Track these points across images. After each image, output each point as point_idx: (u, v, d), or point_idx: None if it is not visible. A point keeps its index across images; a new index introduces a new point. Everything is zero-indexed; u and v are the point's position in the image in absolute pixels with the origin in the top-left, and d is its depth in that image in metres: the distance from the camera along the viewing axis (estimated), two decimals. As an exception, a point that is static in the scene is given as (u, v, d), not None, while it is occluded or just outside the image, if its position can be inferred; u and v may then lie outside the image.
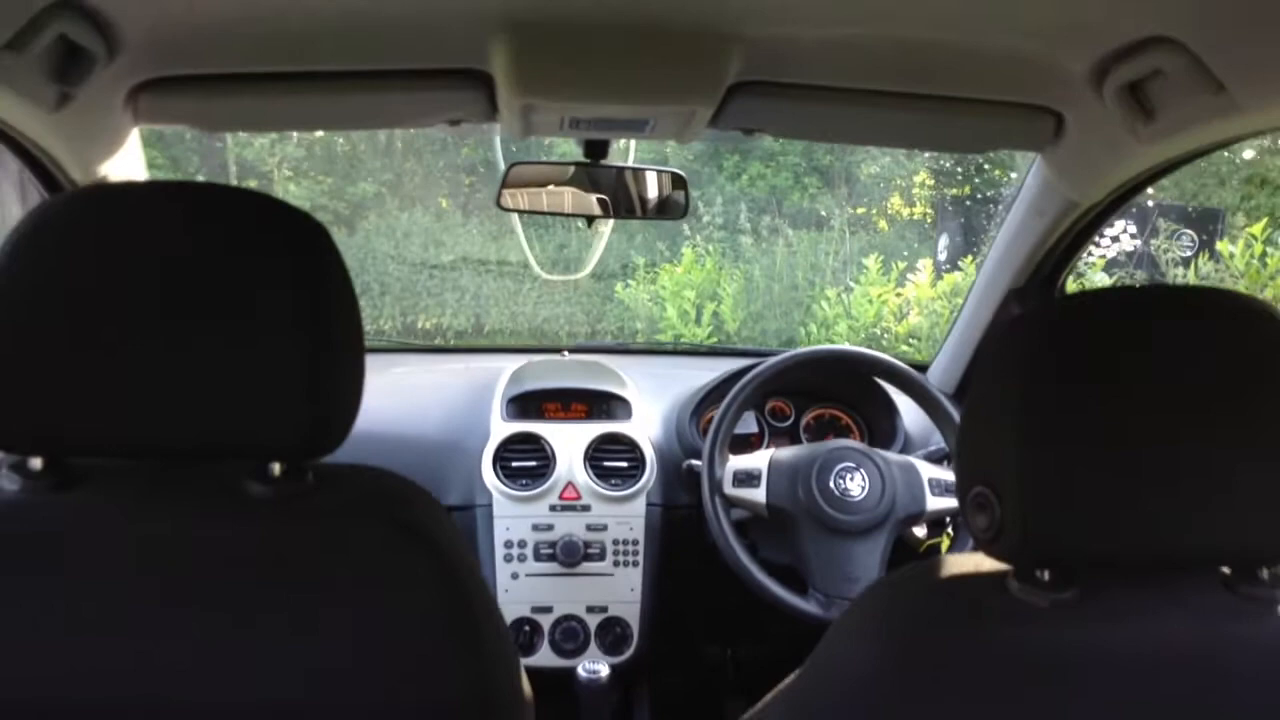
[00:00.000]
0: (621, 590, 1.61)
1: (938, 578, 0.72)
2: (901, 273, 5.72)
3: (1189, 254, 5.97)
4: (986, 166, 7.33)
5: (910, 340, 5.48)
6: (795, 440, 1.80)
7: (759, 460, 1.54)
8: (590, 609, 1.60)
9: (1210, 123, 1.00)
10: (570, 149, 1.49)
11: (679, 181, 1.59)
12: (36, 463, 0.67)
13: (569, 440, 1.65)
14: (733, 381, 1.62)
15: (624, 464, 1.65)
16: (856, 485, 1.48)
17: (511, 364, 1.85)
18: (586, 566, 1.59)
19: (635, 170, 1.58)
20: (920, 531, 1.56)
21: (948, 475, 1.54)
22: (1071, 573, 0.66)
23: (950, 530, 1.60)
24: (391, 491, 0.75)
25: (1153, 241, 6.06)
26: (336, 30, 1.04)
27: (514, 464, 1.62)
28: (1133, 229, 6.02)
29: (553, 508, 1.60)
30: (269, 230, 0.67)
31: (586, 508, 1.61)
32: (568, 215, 1.59)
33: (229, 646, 0.65)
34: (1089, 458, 0.63)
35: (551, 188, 1.57)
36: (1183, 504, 0.63)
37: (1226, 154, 6.67)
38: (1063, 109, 1.18)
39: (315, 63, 1.10)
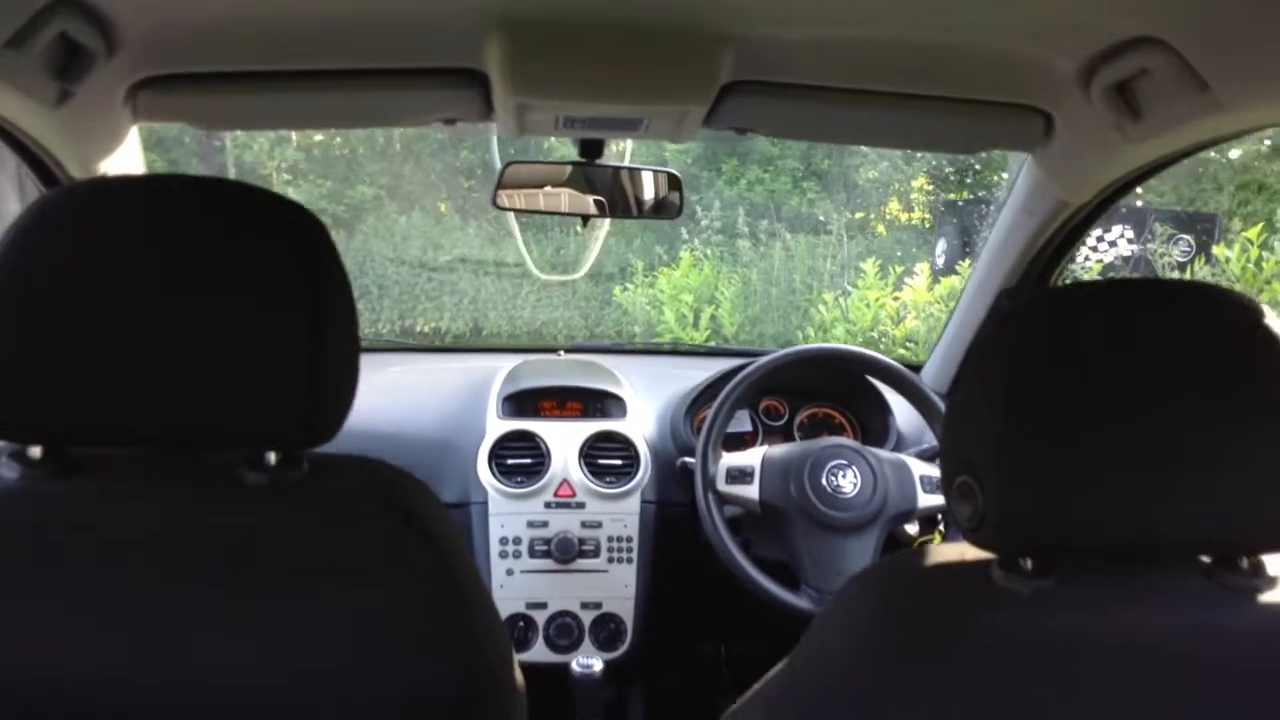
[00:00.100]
0: (616, 587, 1.62)
1: (922, 566, 0.72)
2: (899, 277, 5.74)
3: (1185, 258, 5.99)
4: (984, 171, 7.35)
5: (907, 344, 5.49)
6: (789, 439, 1.81)
7: (752, 457, 1.55)
8: (585, 605, 1.61)
9: (1196, 121, 1.01)
10: (567, 151, 1.50)
11: (674, 182, 1.60)
12: (36, 451, 0.68)
13: (564, 438, 1.66)
14: (727, 380, 1.63)
15: (619, 462, 1.66)
16: (849, 482, 1.49)
17: (507, 363, 1.86)
18: (581, 563, 1.60)
19: (631, 170, 1.59)
20: (912, 529, 1.57)
21: (939, 473, 1.55)
22: (1054, 561, 0.67)
23: (942, 527, 1.61)
24: (388, 480, 0.75)
25: (1149, 246, 6.07)
26: (333, 29, 1.05)
27: (509, 461, 1.63)
28: (1130, 234, 6.05)
29: (548, 505, 1.61)
30: (265, 221, 0.68)
31: (581, 505, 1.62)
32: (564, 215, 1.61)
33: (228, 631, 0.66)
34: (1071, 447, 0.63)
35: (549, 189, 1.59)
36: (1164, 494, 0.63)
37: (1222, 159, 6.69)
38: (1052, 109, 1.19)
39: (312, 61, 1.11)
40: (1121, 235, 6.00)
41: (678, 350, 3.08)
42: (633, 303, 6.63)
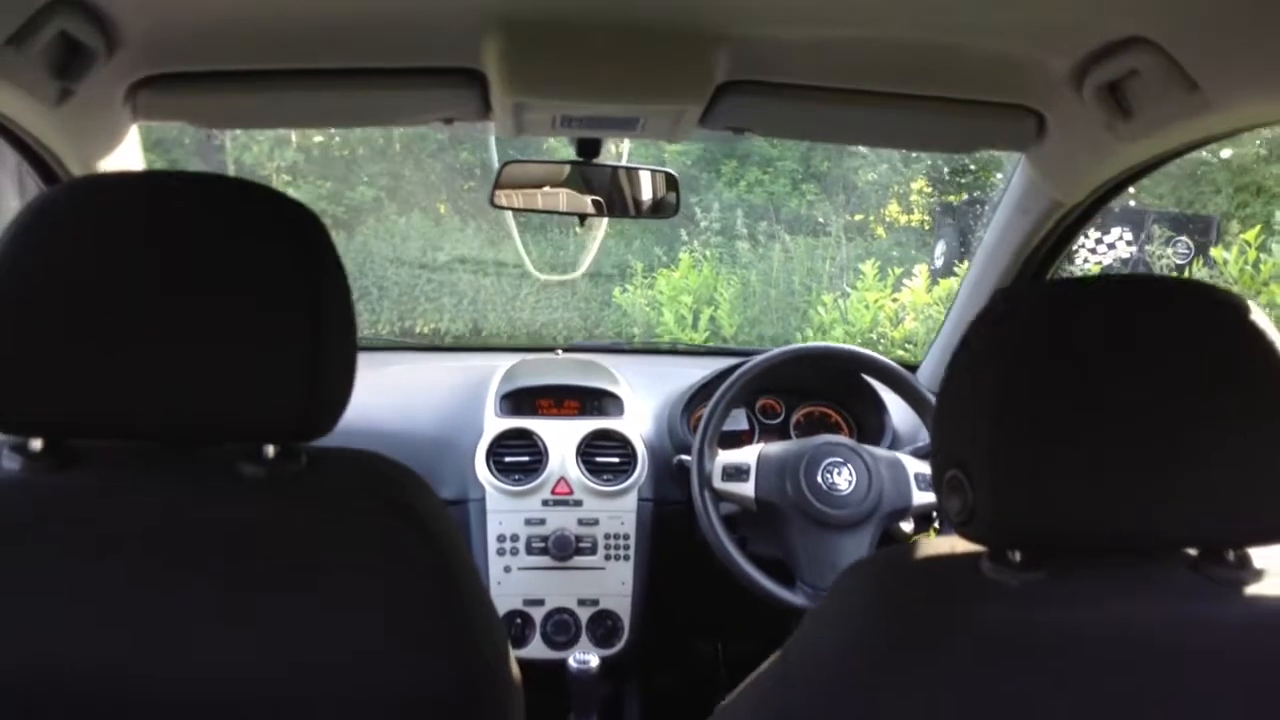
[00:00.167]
0: (613, 584, 1.62)
1: (914, 559, 0.73)
2: (898, 278, 5.73)
3: (1184, 260, 5.99)
4: (981, 173, 7.35)
5: (906, 345, 5.49)
6: (785, 437, 1.82)
7: (748, 455, 1.56)
8: (582, 602, 1.62)
9: (1186, 121, 1.02)
10: (566, 151, 1.50)
11: (671, 182, 1.61)
12: (36, 444, 0.68)
13: (562, 436, 1.67)
14: (723, 378, 1.64)
15: (616, 459, 1.66)
16: (844, 480, 1.50)
17: (505, 362, 1.87)
18: (578, 560, 1.61)
19: (629, 170, 1.61)
20: (907, 526, 1.58)
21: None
22: (1042, 554, 0.67)
23: (937, 525, 1.62)
24: (387, 475, 0.76)
25: (1148, 248, 6.08)
26: (333, 29, 1.06)
27: (507, 459, 1.64)
28: (1128, 236, 6.04)
29: (545, 502, 1.62)
30: (263, 218, 0.69)
31: (578, 503, 1.62)
32: (562, 214, 1.62)
33: (226, 625, 0.66)
34: (1060, 441, 0.63)
35: (547, 188, 1.59)
36: (1152, 488, 0.64)
37: (1219, 161, 6.70)
38: (1044, 109, 1.20)
39: (311, 60, 1.12)
40: (1120, 237, 6.00)
41: (675, 350, 3.09)
42: (632, 304, 6.62)
